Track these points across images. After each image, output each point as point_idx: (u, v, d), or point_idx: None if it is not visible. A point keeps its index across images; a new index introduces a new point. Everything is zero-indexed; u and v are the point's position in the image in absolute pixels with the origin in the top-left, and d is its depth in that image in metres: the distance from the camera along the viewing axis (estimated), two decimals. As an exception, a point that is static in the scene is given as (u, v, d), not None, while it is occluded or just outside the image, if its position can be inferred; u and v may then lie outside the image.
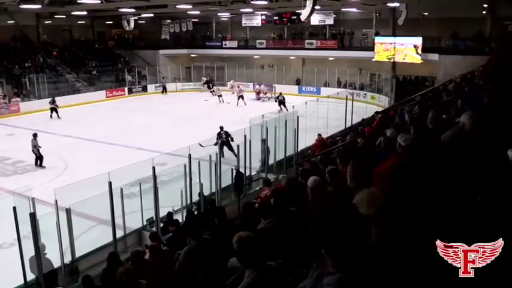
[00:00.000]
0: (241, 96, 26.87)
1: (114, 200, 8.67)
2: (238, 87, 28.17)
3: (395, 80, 27.30)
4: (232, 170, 11.25)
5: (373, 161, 4.17)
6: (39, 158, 15.46)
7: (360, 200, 2.07)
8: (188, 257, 4.51)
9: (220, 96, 28.46)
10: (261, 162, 13.03)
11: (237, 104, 26.63)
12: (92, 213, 9.82)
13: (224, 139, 14.96)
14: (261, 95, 29.97)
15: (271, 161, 12.92)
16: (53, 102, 24.34)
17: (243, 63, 33.95)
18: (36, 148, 15.42)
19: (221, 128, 15.58)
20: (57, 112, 24.11)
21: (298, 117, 13.16)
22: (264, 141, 12.81)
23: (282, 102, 24.55)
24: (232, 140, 14.64)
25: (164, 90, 33.06)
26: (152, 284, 4.18)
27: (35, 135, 15.78)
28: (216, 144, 14.05)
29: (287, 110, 21.61)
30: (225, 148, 14.32)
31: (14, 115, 24.84)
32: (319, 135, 13.74)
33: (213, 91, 30.10)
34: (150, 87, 33.26)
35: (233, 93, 28.46)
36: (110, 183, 8.40)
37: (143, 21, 36.00)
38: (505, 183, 2.55)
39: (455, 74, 18.59)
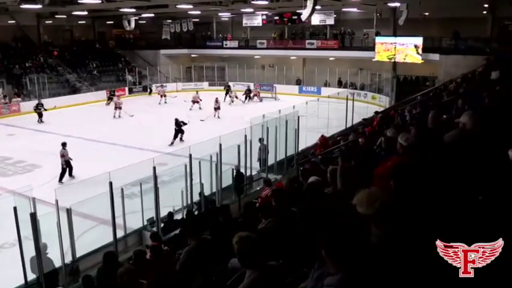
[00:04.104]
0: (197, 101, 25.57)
1: (115, 200, 8.67)
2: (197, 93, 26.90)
3: (396, 80, 27.32)
4: (232, 170, 11.25)
5: (373, 161, 4.17)
6: (65, 171, 13.91)
7: (360, 199, 2.07)
8: (188, 257, 4.51)
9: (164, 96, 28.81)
10: (259, 162, 13.03)
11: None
12: (93, 213, 9.82)
13: None
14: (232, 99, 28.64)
15: (271, 161, 12.92)
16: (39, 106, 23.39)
17: (244, 63, 33.96)
18: (65, 159, 13.90)
19: None
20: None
21: (298, 117, 13.16)
22: (261, 140, 12.80)
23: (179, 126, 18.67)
24: None
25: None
26: (152, 284, 4.17)
27: (64, 144, 14.25)
28: None
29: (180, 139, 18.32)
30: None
31: (14, 115, 24.86)
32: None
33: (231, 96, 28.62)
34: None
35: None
36: (111, 183, 8.40)
37: (144, 21, 35.99)
38: (506, 183, 2.55)
39: (456, 74, 18.60)
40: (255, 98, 29.62)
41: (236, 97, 28.17)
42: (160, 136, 18.83)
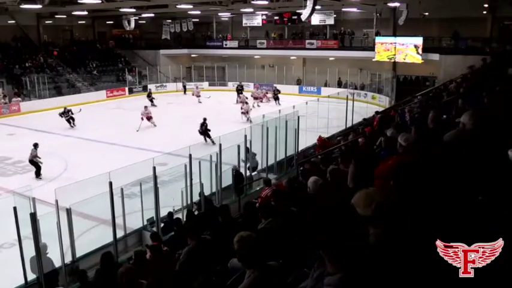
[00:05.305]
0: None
1: (115, 200, 8.67)
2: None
3: (395, 80, 27.33)
4: (232, 170, 11.25)
5: (374, 161, 4.17)
6: (40, 167, 14.27)
7: (357, 200, 2.07)
8: (188, 257, 4.51)
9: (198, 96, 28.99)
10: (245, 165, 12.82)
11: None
12: (93, 213, 9.82)
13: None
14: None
15: (271, 161, 12.89)
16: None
17: (244, 63, 33.96)
18: (36, 158, 14.24)
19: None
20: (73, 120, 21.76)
21: (298, 117, 13.15)
22: (248, 150, 12.17)
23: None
24: None
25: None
26: (152, 284, 4.17)
27: (35, 145, 14.45)
28: None
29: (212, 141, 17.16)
30: None
31: (14, 115, 24.86)
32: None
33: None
34: (151, 87, 33.20)
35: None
36: (111, 183, 8.39)
37: (144, 21, 36.01)
38: (506, 183, 2.55)
39: (456, 74, 18.56)
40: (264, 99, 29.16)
41: (250, 99, 26.86)
42: (161, 136, 18.85)
